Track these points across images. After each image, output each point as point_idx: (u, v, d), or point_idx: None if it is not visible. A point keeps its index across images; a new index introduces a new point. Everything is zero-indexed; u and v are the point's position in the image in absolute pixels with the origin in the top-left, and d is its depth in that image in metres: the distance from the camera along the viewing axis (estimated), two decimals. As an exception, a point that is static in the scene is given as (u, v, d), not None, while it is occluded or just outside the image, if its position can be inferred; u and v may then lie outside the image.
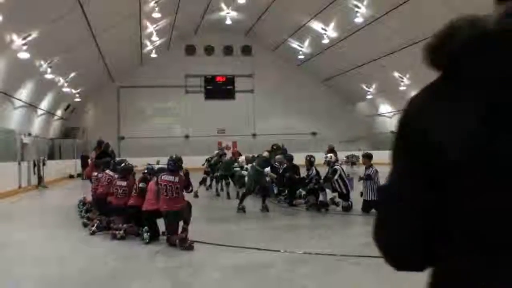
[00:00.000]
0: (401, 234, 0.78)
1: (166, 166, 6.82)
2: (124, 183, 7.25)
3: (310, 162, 9.98)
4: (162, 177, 6.34)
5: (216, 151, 13.72)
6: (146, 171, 7.31)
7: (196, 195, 11.05)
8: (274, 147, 10.05)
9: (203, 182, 12.96)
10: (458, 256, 0.72)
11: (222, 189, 12.37)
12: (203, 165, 13.84)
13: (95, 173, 8.65)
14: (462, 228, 0.72)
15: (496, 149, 0.65)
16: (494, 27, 0.70)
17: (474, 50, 0.70)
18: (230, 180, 12.00)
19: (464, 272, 0.71)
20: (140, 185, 6.89)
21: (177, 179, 6.29)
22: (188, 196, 6.51)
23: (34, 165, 16.55)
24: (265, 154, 9.69)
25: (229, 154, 14.73)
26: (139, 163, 10.97)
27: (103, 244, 6.49)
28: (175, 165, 6.44)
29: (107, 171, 8.20)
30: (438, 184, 0.73)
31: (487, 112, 0.66)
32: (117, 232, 6.66)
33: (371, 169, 8.80)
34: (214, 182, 13.11)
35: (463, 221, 0.71)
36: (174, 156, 6.57)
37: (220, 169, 12.22)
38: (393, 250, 0.82)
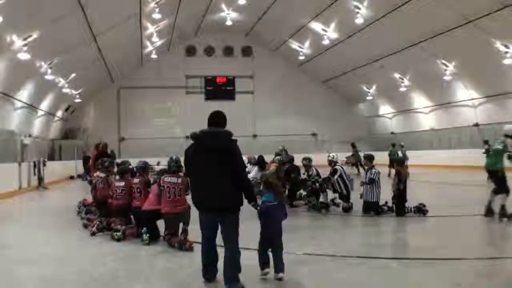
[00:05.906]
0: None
1: (166, 167, 6.78)
2: (122, 184, 7.26)
3: (306, 164, 10.08)
4: (165, 179, 6.30)
5: None
6: (135, 167, 7.30)
7: None
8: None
9: None
10: None
11: None
12: None
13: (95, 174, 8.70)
14: None
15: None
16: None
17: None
18: None
19: None
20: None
21: (179, 180, 6.26)
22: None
23: (35, 166, 16.54)
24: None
25: None
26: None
27: (103, 245, 6.49)
28: (177, 165, 6.38)
29: (97, 173, 8.23)
30: None
31: None
32: (115, 233, 6.66)
33: (373, 170, 8.77)
34: None
35: None
36: (174, 157, 6.48)
37: None
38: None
